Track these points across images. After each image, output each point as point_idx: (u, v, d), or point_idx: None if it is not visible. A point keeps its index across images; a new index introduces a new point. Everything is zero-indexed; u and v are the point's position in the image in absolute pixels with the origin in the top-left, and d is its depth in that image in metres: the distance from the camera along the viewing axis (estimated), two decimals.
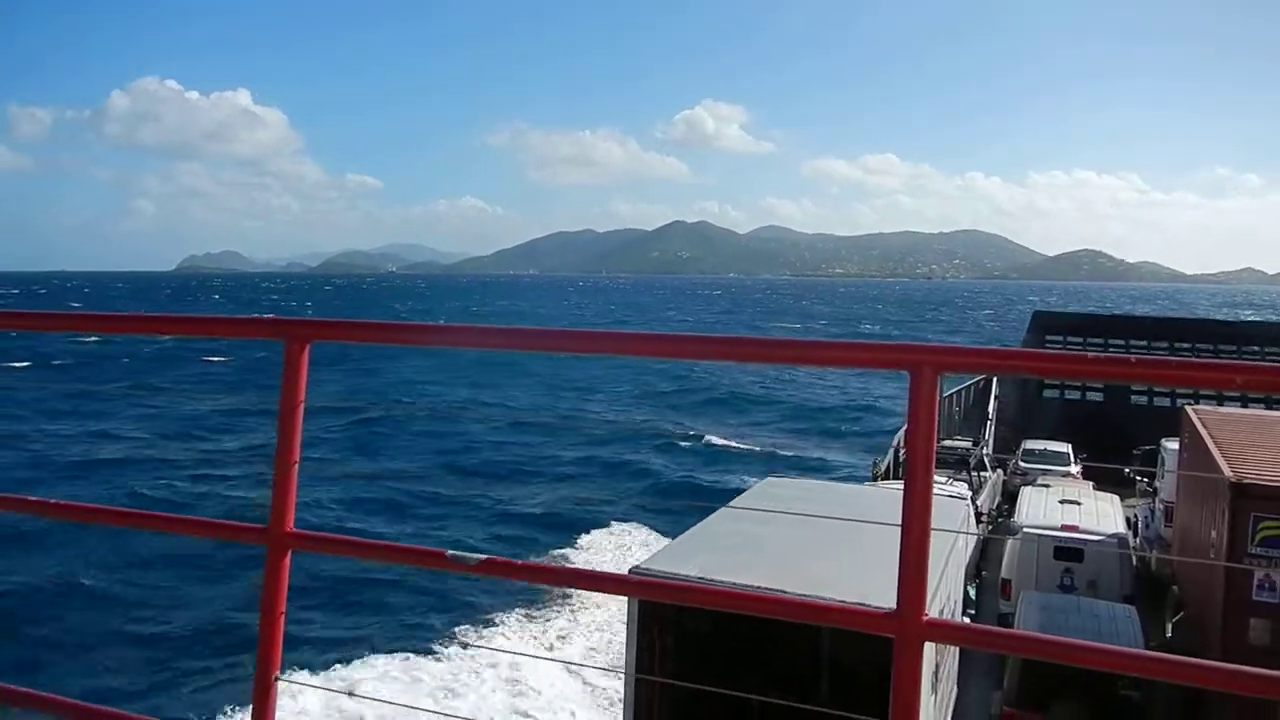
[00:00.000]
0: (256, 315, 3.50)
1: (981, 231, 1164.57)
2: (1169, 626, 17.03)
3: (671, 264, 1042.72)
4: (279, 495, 2.97)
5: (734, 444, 44.93)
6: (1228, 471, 14.03)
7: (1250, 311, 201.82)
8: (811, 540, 11.25)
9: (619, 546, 28.20)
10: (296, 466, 2.98)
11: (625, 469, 39.90)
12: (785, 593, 9.75)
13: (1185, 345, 36.66)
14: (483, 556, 2.74)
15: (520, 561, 2.90)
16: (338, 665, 19.79)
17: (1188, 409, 19.13)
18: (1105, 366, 2.21)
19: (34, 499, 3.99)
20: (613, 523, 30.40)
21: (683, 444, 43.36)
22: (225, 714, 17.37)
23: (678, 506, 30.36)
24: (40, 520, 22.50)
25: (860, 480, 25.24)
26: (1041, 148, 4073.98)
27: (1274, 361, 29.64)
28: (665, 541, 15.09)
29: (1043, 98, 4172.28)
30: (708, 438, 45.64)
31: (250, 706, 2.97)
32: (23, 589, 23.39)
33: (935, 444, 2.23)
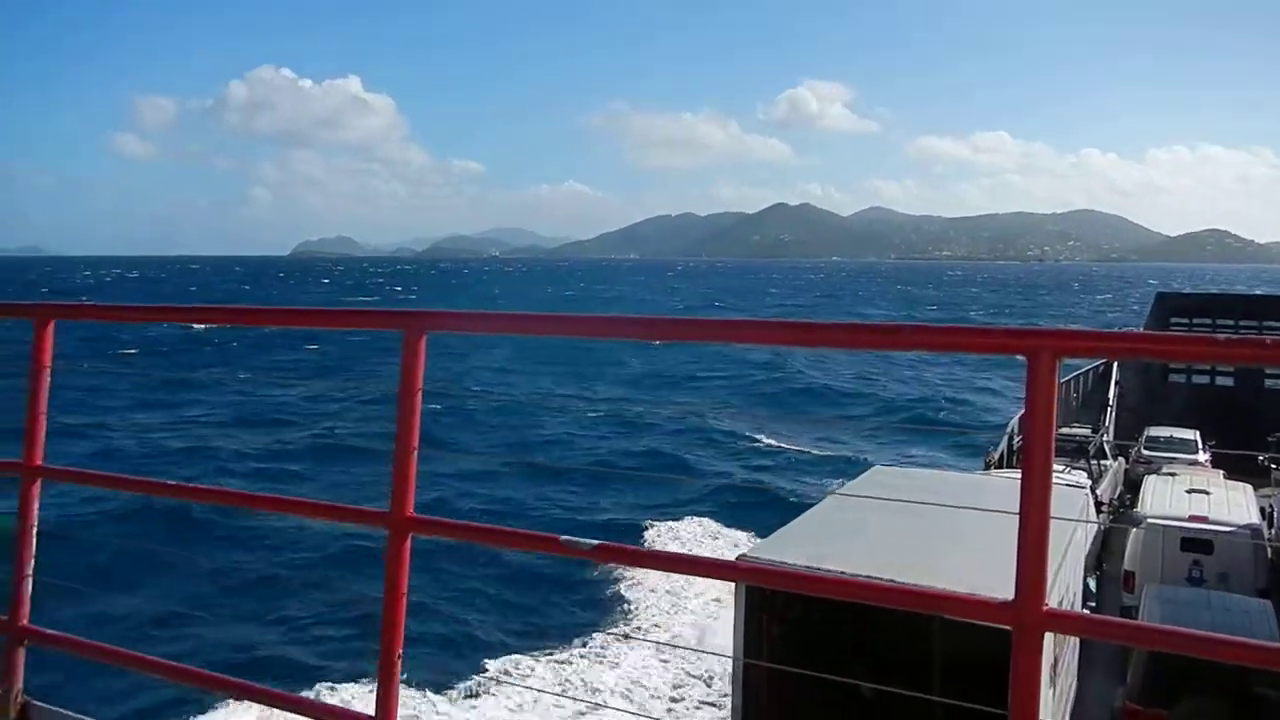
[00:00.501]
0: (382, 309, 3.68)
1: (1097, 211, 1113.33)
2: None
3: (773, 247, 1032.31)
4: (399, 480, 3.10)
5: (828, 437, 44.33)
6: None
7: None
8: (921, 529, 11.10)
9: (708, 536, 28.20)
10: (415, 452, 3.12)
11: (723, 459, 39.72)
12: (895, 582, 9.78)
13: None
14: (595, 542, 2.82)
15: (632, 547, 2.99)
16: (459, 649, 20.34)
17: None
18: (1237, 349, 2.15)
19: (157, 481, 4.24)
20: (703, 517, 30.50)
21: (768, 439, 42.82)
22: (350, 693, 18.00)
23: (766, 500, 30.23)
24: (163, 501, 23.63)
25: (971, 469, 24.70)
26: (1161, 123, 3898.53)
27: None
28: (763, 533, 15.11)
29: (1163, 71, 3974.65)
30: (797, 432, 45.29)
31: (375, 685, 3.12)
32: (153, 566, 24.62)
33: (1054, 431, 2.21)
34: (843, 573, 10.05)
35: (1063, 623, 2.40)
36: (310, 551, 26.09)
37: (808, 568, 10.13)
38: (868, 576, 9.96)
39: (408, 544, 3.11)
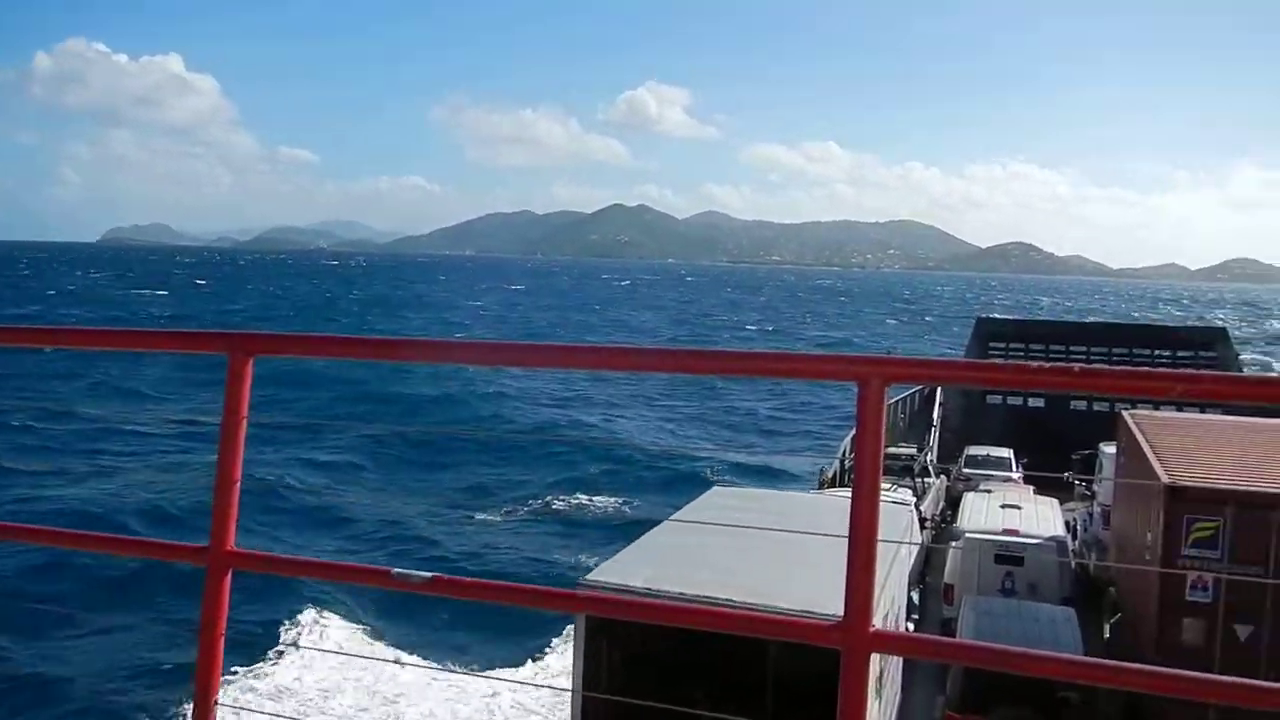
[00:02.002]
0: (206, 330, 3.47)
1: (917, 222, 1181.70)
2: (1106, 627, 17.62)
3: (610, 248, 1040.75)
4: (219, 513, 2.94)
5: (674, 452, 44.93)
6: (1163, 475, 14.56)
7: (1169, 307, 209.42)
8: (758, 550, 11.43)
9: (554, 560, 28.18)
10: (238, 484, 2.97)
11: (558, 481, 39.19)
12: (733, 602, 9.93)
13: (1123, 351, 38.91)
14: (430, 575, 2.75)
15: (469, 579, 2.91)
16: (279, 685, 19.48)
17: (1125, 414, 19.69)
18: (1049, 376, 2.35)
19: None
20: (551, 537, 30.32)
21: (623, 454, 42.90)
22: None
23: (618, 519, 30.46)
24: None
25: (806, 488, 25.66)
26: (980, 140, 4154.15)
27: (1207, 365, 31.04)
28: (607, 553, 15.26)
29: (984, 91, 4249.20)
30: (647, 447, 45.63)
31: None
32: None
33: (882, 455, 2.30)
34: (682, 594, 10.21)
35: (889, 643, 2.45)
36: (121, 590, 24.32)
37: (647, 591, 10.36)
38: (707, 598, 10.09)
39: (227, 580, 2.97)
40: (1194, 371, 2.22)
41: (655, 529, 13.33)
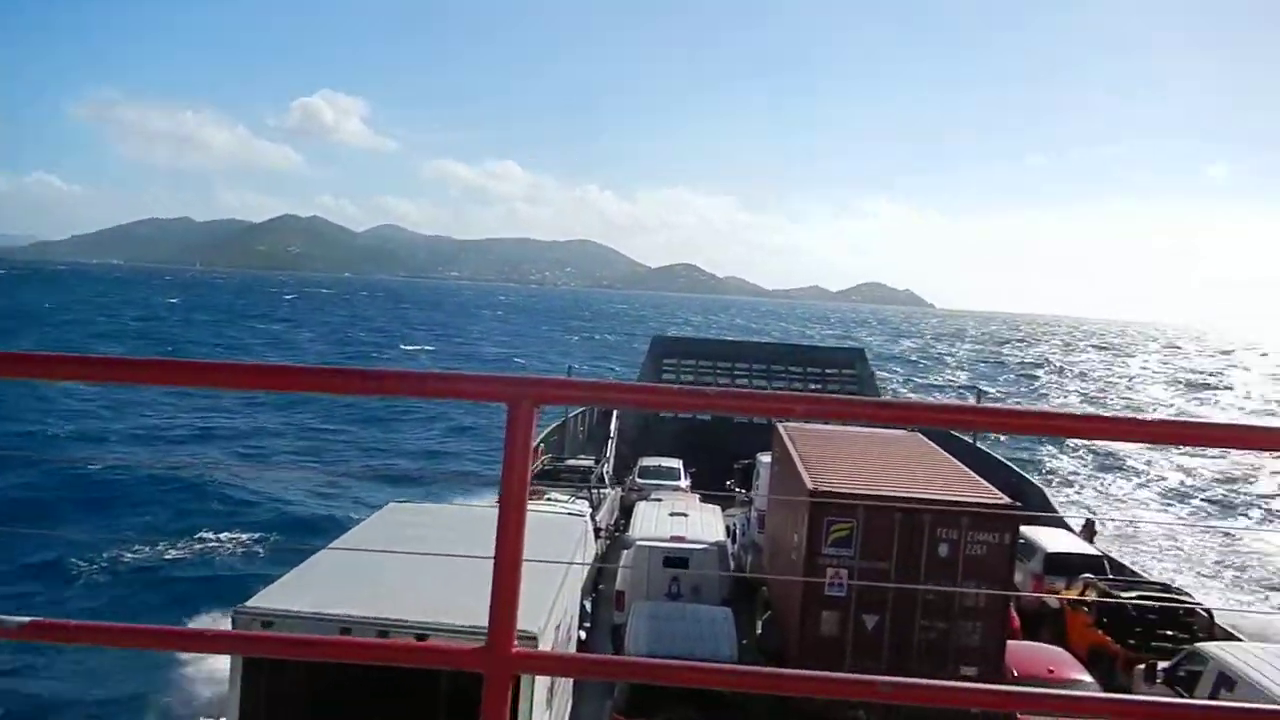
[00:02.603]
0: None
1: (594, 242, 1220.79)
2: (759, 624, 19.05)
3: (280, 259, 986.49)
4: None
5: (354, 471, 43.44)
6: (808, 481, 16.08)
7: (819, 326, 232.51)
8: (431, 567, 11.22)
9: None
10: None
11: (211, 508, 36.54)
12: (405, 622, 9.88)
13: (780, 368, 43.61)
14: (28, 619, 2.46)
15: (78, 623, 2.62)
16: None
17: (778, 425, 21.37)
18: (685, 398, 2.47)
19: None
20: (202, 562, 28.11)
21: (295, 475, 40.85)
22: None
23: (285, 542, 28.82)
24: None
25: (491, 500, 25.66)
26: (651, 166, 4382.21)
27: (849, 381, 34.71)
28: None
29: (655, 119, 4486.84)
30: (327, 466, 43.71)
31: None
32: None
33: (529, 476, 2.34)
34: (348, 616, 10.00)
35: (531, 664, 2.54)
36: None
37: (313, 614, 10.03)
38: (373, 619, 9.98)
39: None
40: (816, 394, 2.49)
41: (324, 549, 12.83)
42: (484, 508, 21.19)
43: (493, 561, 2.31)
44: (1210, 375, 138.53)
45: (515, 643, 2.33)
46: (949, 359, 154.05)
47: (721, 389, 2.60)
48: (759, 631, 18.79)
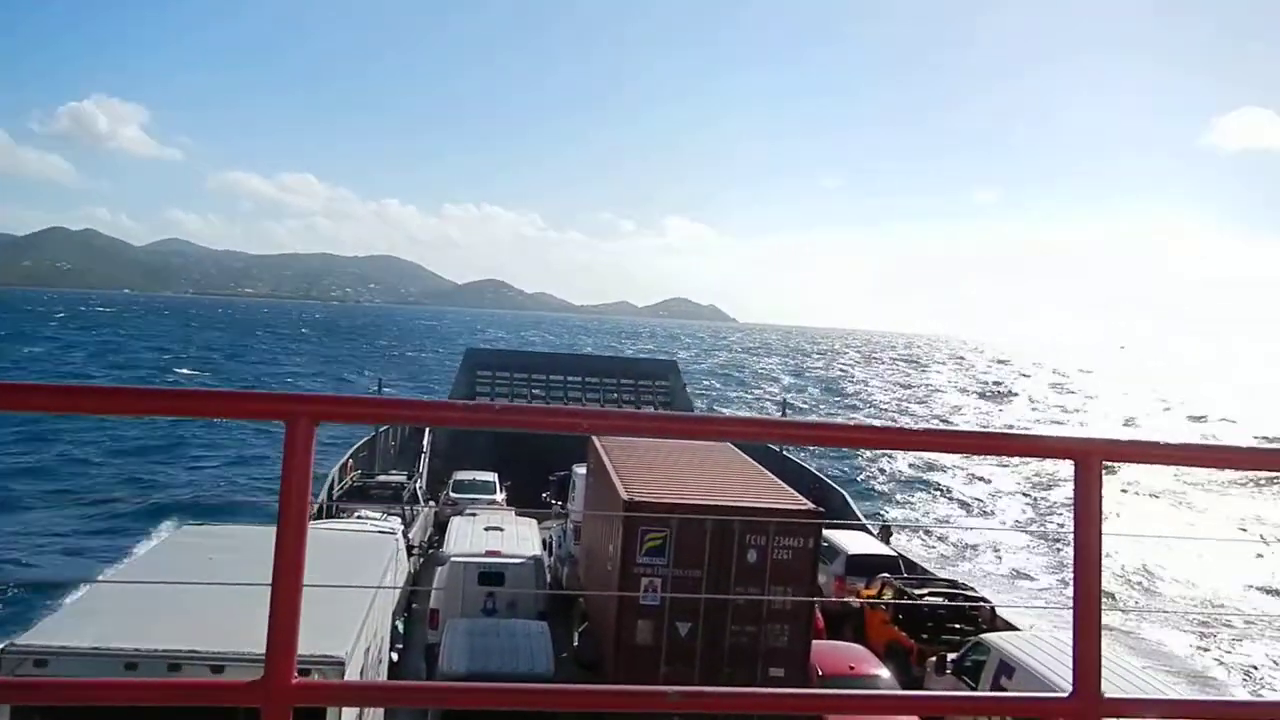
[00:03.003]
0: None
1: (398, 258, 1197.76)
2: (576, 635, 19.27)
3: (48, 276, 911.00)
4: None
5: (133, 501, 40.70)
6: (622, 492, 16.42)
7: (628, 340, 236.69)
8: (227, 592, 10.84)
9: None
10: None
11: None
12: (199, 654, 9.55)
13: (594, 379, 44.32)
14: None
15: None
16: None
17: (593, 437, 21.27)
18: (470, 413, 2.53)
19: None
20: None
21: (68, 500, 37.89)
22: None
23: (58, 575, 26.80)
24: None
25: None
26: (456, 180, 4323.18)
27: (661, 393, 35.80)
28: None
29: (456, 132, 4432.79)
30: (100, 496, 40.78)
31: None
32: None
33: (309, 496, 2.30)
34: (135, 650, 9.59)
35: (314, 694, 2.38)
36: None
37: (94, 651, 9.54)
38: (166, 651, 9.64)
39: None
40: (601, 410, 2.63)
41: (108, 577, 12.19)
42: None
43: (270, 588, 2.20)
44: (996, 384, 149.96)
45: (297, 672, 2.22)
46: (760, 370, 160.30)
47: (505, 404, 2.52)
48: (576, 642, 18.98)
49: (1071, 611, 2.43)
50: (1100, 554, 2.43)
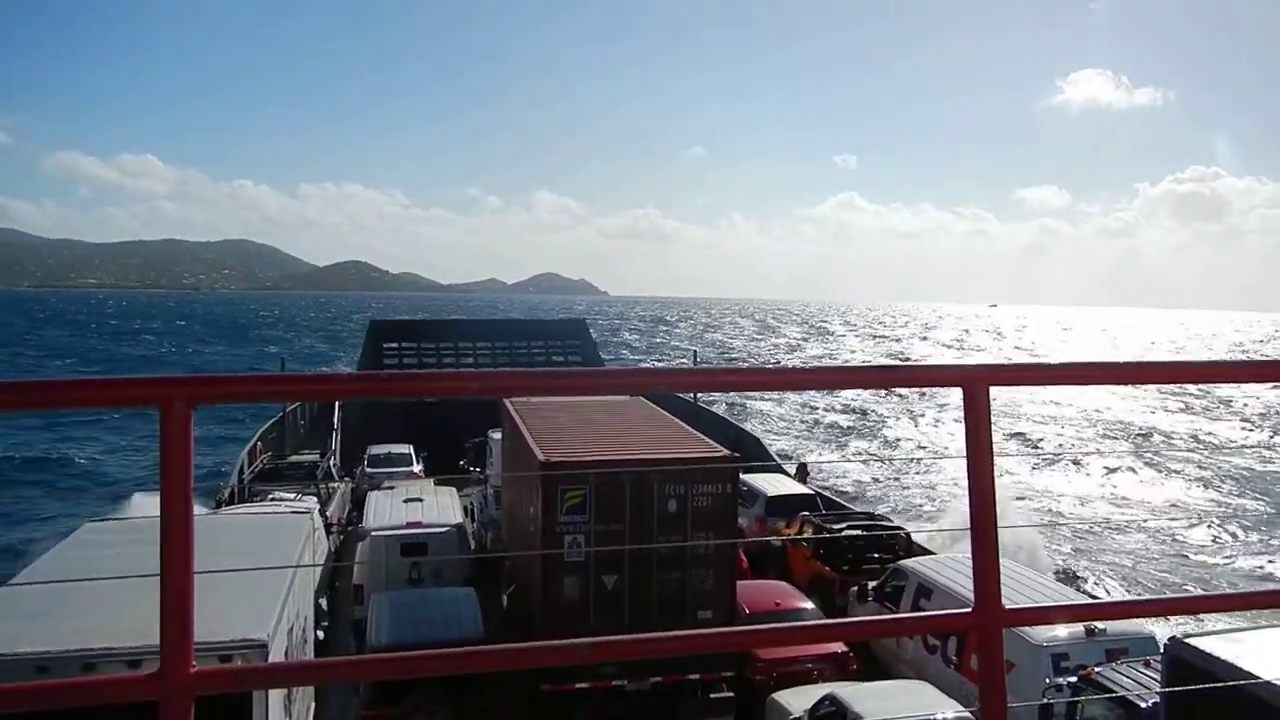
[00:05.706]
0: None
1: (252, 241, 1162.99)
2: (504, 598, 19.98)
3: None
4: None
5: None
6: (538, 453, 17.02)
7: (497, 313, 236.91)
8: (141, 587, 11.00)
9: None
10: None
11: None
12: (114, 651, 9.75)
13: (504, 344, 45.45)
14: None
15: None
16: None
17: (505, 401, 21.89)
18: (358, 384, 2.82)
19: None
20: None
21: None
22: None
23: None
24: None
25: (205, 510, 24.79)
26: (312, 159, 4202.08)
27: (574, 350, 37.05)
28: None
29: (312, 108, 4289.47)
30: None
31: None
32: None
33: (193, 482, 2.24)
34: (46, 652, 9.81)
35: (215, 681, 2.27)
36: None
37: (1, 656, 9.72)
38: (79, 651, 9.83)
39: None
40: (487, 371, 2.53)
41: (13, 579, 12.43)
42: (201, 515, 20.74)
43: (159, 579, 2.18)
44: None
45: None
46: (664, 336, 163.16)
47: (393, 373, 2.58)
48: (505, 604, 19.66)
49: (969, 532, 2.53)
50: (993, 476, 2.53)
